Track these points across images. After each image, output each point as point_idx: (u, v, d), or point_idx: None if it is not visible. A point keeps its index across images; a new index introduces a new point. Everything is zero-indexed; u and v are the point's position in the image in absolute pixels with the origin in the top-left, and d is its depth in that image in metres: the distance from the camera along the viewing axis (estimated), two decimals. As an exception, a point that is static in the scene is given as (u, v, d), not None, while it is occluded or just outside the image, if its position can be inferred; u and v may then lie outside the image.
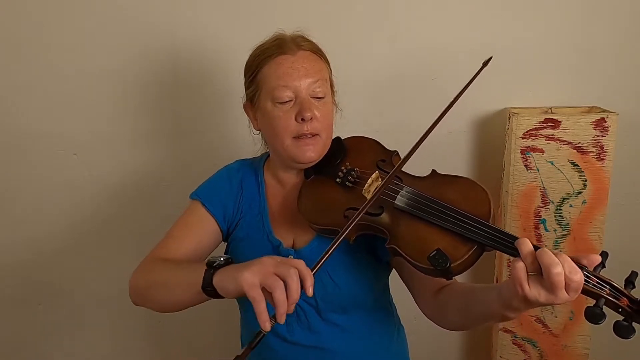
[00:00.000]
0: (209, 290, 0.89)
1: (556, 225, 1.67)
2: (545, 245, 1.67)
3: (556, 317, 1.71)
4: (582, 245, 1.67)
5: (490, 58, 1.11)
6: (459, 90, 1.04)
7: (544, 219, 1.67)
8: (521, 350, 1.75)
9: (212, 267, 0.89)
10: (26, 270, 1.87)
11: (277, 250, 1.11)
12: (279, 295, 0.78)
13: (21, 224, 1.84)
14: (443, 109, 1.02)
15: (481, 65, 1.09)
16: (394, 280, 1.18)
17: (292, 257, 1.08)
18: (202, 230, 1.13)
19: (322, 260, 0.84)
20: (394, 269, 1.16)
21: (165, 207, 1.80)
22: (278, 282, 0.79)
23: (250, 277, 0.81)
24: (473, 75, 1.06)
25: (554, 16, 1.70)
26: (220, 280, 0.87)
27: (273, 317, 0.79)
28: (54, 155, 1.78)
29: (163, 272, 1.02)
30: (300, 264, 0.82)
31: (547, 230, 1.67)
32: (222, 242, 1.20)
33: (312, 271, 0.82)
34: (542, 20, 1.70)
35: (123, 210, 1.84)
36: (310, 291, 0.80)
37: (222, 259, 0.90)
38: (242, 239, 1.15)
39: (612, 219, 1.70)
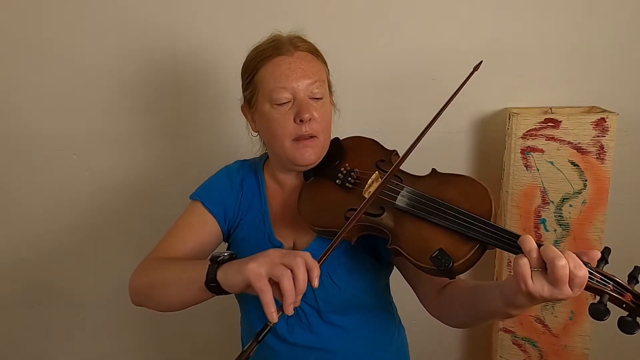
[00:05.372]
0: (213, 286, 0.88)
1: (556, 225, 1.67)
2: (546, 245, 1.67)
3: (556, 317, 1.71)
4: (582, 245, 1.67)
5: (481, 62, 1.10)
6: (452, 93, 1.04)
7: (544, 219, 1.67)
8: (521, 350, 1.75)
9: (215, 262, 0.88)
10: (26, 270, 1.87)
11: None
12: (287, 284, 0.78)
13: (21, 223, 1.84)
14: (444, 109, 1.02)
15: (472, 69, 1.09)
16: (394, 280, 1.18)
17: None
18: (204, 231, 1.13)
19: (328, 253, 0.84)
20: (395, 268, 1.16)
21: (165, 207, 1.80)
22: (285, 272, 0.79)
23: (257, 267, 0.80)
24: (463, 80, 1.06)
25: (554, 16, 1.70)
26: (224, 274, 0.86)
27: (280, 309, 0.78)
28: (54, 155, 1.78)
29: (164, 270, 1.00)
30: (306, 255, 0.81)
31: (547, 230, 1.67)
32: (223, 242, 1.20)
33: (318, 263, 0.82)
34: (542, 20, 1.70)
35: (123, 210, 1.84)
36: (315, 282, 0.80)
37: (226, 254, 0.89)
38: (243, 240, 1.14)
39: (612, 219, 1.70)
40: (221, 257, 0.89)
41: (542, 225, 1.67)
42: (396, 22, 1.71)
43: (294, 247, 1.11)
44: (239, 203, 1.15)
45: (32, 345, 1.94)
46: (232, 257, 0.90)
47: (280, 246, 1.10)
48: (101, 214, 1.84)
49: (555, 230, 1.67)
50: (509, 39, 1.71)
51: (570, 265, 0.74)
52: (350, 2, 1.69)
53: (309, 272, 0.80)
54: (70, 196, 1.81)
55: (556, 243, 1.67)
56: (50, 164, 1.78)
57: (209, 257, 0.90)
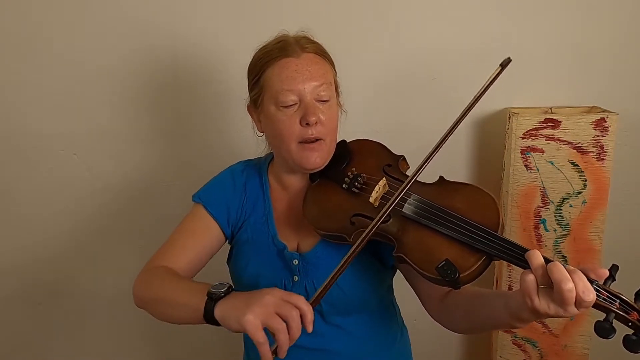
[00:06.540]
0: (212, 320, 0.89)
1: (556, 225, 1.67)
2: (545, 246, 1.67)
3: (556, 317, 1.71)
4: (582, 245, 1.67)
5: (509, 58, 1.06)
6: (475, 94, 1.03)
7: (544, 219, 1.67)
8: (521, 350, 1.75)
9: (212, 300, 0.88)
10: (26, 270, 1.87)
11: (281, 253, 1.10)
12: (282, 337, 0.81)
13: (21, 223, 1.84)
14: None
15: (499, 67, 1.06)
16: (396, 280, 1.18)
17: (296, 261, 1.08)
18: (205, 236, 1.12)
19: (323, 290, 0.87)
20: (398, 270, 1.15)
21: (166, 207, 1.80)
22: (281, 325, 0.81)
23: (253, 319, 0.81)
24: (490, 76, 1.04)
25: (554, 16, 1.70)
26: (222, 316, 0.87)
27: (274, 351, 0.81)
28: (54, 155, 1.78)
29: (166, 288, 1.00)
30: (301, 300, 0.83)
31: (547, 230, 1.67)
32: (227, 244, 1.19)
33: (311, 305, 0.84)
34: (542, 21, 1.70)
35: (123, 210, 1.83)
36: (310, 328, 0.83)
37: (222, 290, 0.89)
38: (246, 242, 1.13)
39: (612, 219, 1.70)
40: (217, 294, 0.88)
41: (542, 225, 1.67)
42: (396, 22, 1.71)
43: (298, 249, 1.11)
44: (242, 205, 1.14)
45: (33, 345, 1.94)
46: (228, 292, 0.89)
47: (284, 248, 1.10)
48: (101, 214, 1.84)
49: (555, 230, 1.67)
50: (509, 39, 1.71)
51: (578, 289, 0.73)
52: (349, 2, 1.69)
53: (302, 318, 0.82)
54: (70, 196, 1.81)
55: (556, 243, 1.68)
56: (50, 164, 1.78)
57: (206, 292, 0.89)
